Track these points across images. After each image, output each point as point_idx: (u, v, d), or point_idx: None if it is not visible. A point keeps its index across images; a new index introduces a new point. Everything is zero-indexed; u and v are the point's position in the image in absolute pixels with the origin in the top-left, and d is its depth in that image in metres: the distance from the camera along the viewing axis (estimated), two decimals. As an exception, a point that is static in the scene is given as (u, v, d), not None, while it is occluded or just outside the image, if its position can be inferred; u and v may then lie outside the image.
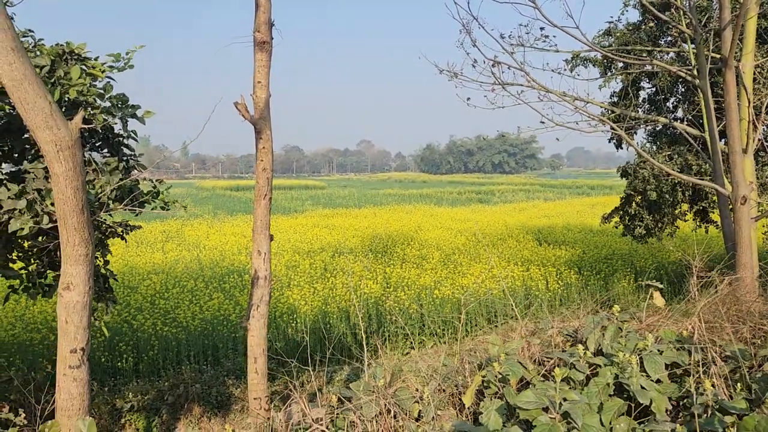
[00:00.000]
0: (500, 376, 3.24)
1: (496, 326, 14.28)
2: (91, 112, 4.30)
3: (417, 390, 3.36)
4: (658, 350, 3.40)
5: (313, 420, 3.03)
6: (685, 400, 3.23)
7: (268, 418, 3.48)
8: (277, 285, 15.48)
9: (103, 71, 4.52)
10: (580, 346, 3.37)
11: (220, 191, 66.99)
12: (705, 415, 2.92)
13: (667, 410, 3.15)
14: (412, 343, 13.25)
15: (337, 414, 3.27)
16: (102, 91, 4.54)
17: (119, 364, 10.92)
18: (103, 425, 9.01)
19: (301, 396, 3.35)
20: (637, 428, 2.89)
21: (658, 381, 3.26)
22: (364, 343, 4.86)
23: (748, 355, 3.48)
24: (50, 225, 3.97)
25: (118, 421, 9.10)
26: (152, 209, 5.45)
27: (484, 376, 3.26)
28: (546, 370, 3.61)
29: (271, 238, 5.64)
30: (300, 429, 3.13)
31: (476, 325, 14.32)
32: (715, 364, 3.32)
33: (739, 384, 3.21)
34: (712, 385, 3.11)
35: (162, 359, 11.33)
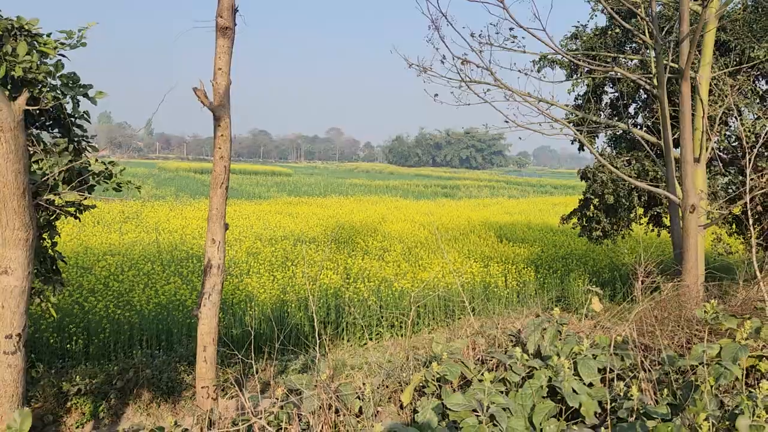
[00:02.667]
0: (438, 375, 3.31)
1: (453, 320, 14.47)
2: (40, 90, 4.17)
3: (361, 385, 3.41)
4: (593, 355, 3.52)
5: (252, 413, 3.04)
6: (614, 404, 3.35)
7: (212, 409, 3.48)
8: (236, 272, 15.33)
9: (55, 48, 4.38)
10: (518, 349, 3.46)
11: (183, 173, 65.73)
12: (630, 419, 3.04)
13: (596, 413, 3.27)
14: (369, 335, 13.32)
15: (281, 407, 3.29)
16: (52, 69, 4.40)
17: (68, 345, 10.68)
18: (48, 408, 8.82)
19: (242, 389, 3.34)
20: (566, 430, 2.99)
21: (591, 385, 3.38)
22: (317, 334, 4.87)
23: (677, 361, 3.63)
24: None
25: (64, 404, 8.91)
26: (104, 191, 5.34)
27: (423, 376, 3.32)
28: (486, 370, 3.70)
29: (226, 227, 5.59)
30: (241, 420, 3.14)
31: (434, 319, 14.47)
32: (645, 370, 3.46)
33: (665, 390, 3.35)
34: (640, 390, 3.24)
35: (113, 342, 11.13)
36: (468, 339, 3.97)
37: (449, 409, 2.76)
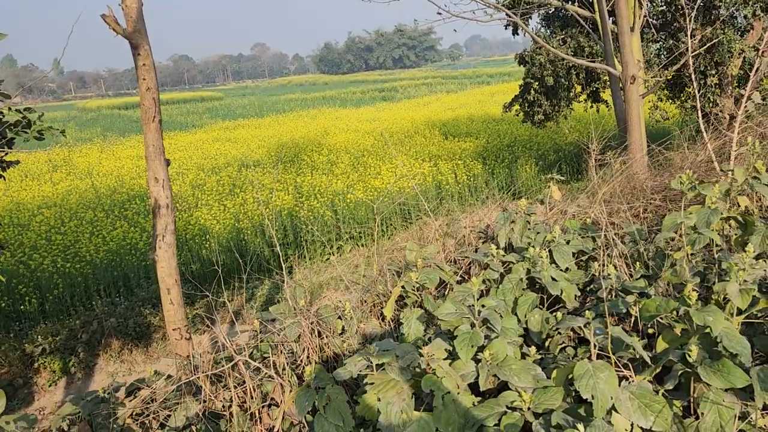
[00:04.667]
0: (417, 285, 3.30)
1: (411, 223, 14.62)
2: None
3: (338, 305, 3.37)
4: (566, 241, 3.56)
5: (234, 351, 2.96)
6: (592, 285, 3.44)
7: (192, 354, 3.39)
8: (184, 206, 14.90)
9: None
10: (492, 246, 3.46)
11: (106, 111, 62.05)
12: (610, 297, 3.13)
13: (576, 297, 3.36)
14: (330, 250, 13.36)
15: (261, 339, 3.23)
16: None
17: (22, 307, 10.31)
18: (15, 372, 8.61)
19: (220, 325, 3.24)
20: (549, 318, 3.06)
21: (567, 270, 3.43)
22: (282, 259, 4.77)
23: (643, 233, 3.73)
24: None
25: (31, 365, 8.71)
26: (25, 141, 4.90)
27: (402, 287, 3.30)
28: (462, 272, 3.71)
29: (168, 162, 5.27)
30: (224, 359, 3.07)
31: (392, 224, 14.58)
32: (616, 247, 3.54)
33: (637, 263, 3.45)
34: (615, 267, 3.32)
35: (69, 297, 10.80)
36: (438, 243, 3.94)
37: (440, 320, 2.75)
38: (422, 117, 29.33)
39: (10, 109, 4.44)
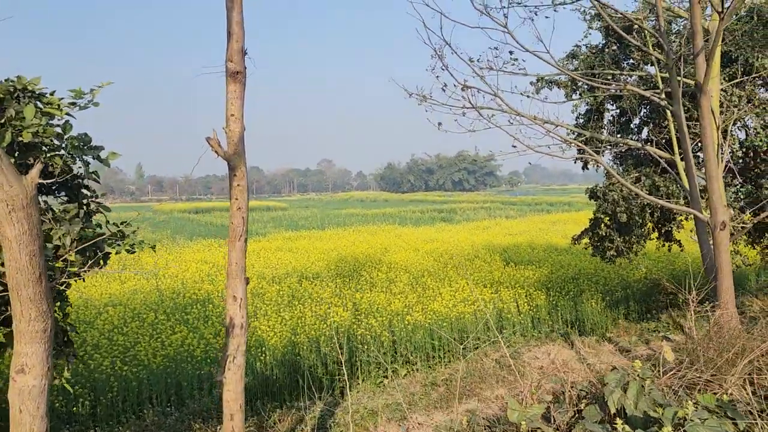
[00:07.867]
0: (532, 460, 2.95)
1: (468, 351, 14.02)
2: (49, 155, 3.84)
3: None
4: (700, 419, 3.13)
5: None
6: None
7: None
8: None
9: (61, 109, 4.06)
10: (619, 421, 3.08)
11: (178, 214, 65.35)
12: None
13: (715, 491, 2.90)
14: (384, 372, 12.86)
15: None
16: (60, 131, 4.07)
17: (74, 408, 10.15)
18: (58, 482, 8.30)
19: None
20: None
21: (704, 457, 3.01)
22: (336, 379, 4.48)
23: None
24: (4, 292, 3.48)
25: (73, 477, 8.40)
26: (116, 254, 5.00)
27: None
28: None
29: (247, 281, 5.24)
30: None
31: (449, 351, 14.03)
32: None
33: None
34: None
35: (122, 401, 10.60)
36: (542, 405, 3.57)
37: None
38: (482, 240, 29.21)
39: (108, 222, 4.58)
